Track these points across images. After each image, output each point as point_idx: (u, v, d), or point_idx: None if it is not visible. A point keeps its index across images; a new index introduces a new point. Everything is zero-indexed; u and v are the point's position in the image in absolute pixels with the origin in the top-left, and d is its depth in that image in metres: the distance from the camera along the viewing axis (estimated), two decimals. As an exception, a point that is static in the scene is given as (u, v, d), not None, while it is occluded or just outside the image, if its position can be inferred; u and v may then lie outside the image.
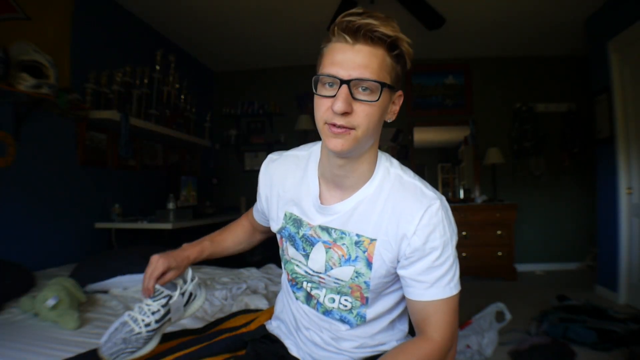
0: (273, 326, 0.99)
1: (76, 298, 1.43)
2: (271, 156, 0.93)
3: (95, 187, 2.66)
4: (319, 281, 0.83)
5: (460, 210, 3.86)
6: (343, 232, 0.78)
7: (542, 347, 2.02)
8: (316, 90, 0.70)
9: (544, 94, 4.24)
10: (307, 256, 0.83)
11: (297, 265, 0.85)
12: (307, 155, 0.87)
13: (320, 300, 0.84)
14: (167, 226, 2.57)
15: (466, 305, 2.67)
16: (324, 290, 0.84)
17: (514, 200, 4.01)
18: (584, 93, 3.96)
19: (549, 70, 4.25)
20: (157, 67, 3.07)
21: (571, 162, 4.16)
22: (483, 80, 4.32)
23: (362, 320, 0.83)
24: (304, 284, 0.86)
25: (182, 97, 3.49)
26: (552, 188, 4.20)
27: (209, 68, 4.50)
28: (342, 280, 0.80)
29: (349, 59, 0.66)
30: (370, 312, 0.82)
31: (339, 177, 0.78)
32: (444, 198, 0.77)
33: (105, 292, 1.72)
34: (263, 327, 1.01)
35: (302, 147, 0.92)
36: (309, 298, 0.87)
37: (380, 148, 0.84)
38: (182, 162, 3.84)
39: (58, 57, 2.16)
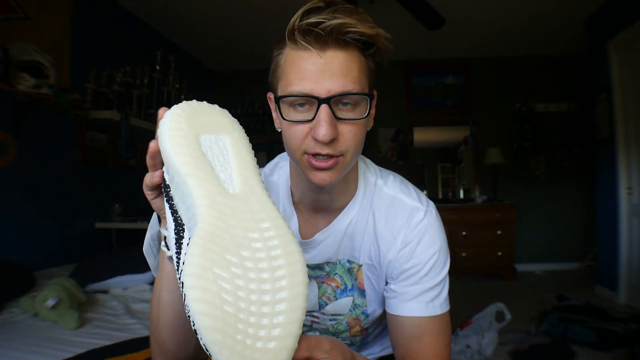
0: None
1: (76, 298, 1.43)
2: None
3: (95, 187, 2.66)
4: (312, 322, 0.73)
5: (460, 210, 3.86)
6: (335, 262, 0.69)
7: (542, 347, 2.02)
8: (282, 114, 0.56)
9: (544, 94, 4.24)
10: None
11: None
12: (276, 182, 0.72)
13: None
14: (167, 226, 2.56)
15: (466, 305, 2.67)
16: (317, 333, 0.75)
17: (514, 200, 4.01)
18: (584, 93, 3.96)
19: (549, 70, 4.25)
20: (157, 67, 3.07)
21: (571, 162, 4.16)
22: (483, 80, 4.32)
23: (365, 346, 0.79)
24: None
25: (182, 97, 3.48)
26: (552, 188, 4.20)
27: (209, 68, 4.50)
28: (339, 315, 0.72)
29: (322, 70, 0.52)
30: (372, 337, 0.79)
31: (323, 202, 0.66)
32: (430, 203, 0.68)
33: (105, 292, 1.72)
34: None
35: (262, 171, 0.74)
36: None
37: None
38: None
39: (58, 57, 2.16)
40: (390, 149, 4.34)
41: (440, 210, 0.69)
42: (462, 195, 4.43)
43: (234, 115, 0.49)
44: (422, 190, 4.41)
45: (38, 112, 2.13)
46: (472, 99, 4.33)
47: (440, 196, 4.50)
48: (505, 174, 4.22)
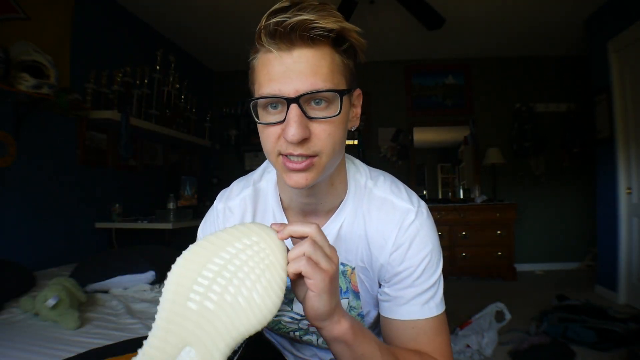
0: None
1: (76, 298, 1.43)
2: (213, 213, 0.73)
3: (95, 187, 2.66)
4: (309, 326, 0.72)
5: (460, 210, 3.86)
6: None
7: (542, 347, 2.02)
8: (257, 117, 0.56)
9: (544, 94, 4.24)
10: (290, 301, 0.71)
11: (277, 316, 0.72)
12: (264, 188, 0.71)
13: (314, 343, 0.75)
14: (167, 226, 2.57)
15: (466, 305, 2.67)
16: (315, 336, 0.74)
17: (513, 200, 4.01)
18: (584, 93, 3.96)
19: (549, 70, 4.25)
20: (157, 67, 3.07)
21: (571, 162, 4.16)
22: (483, 80, 4.32)
23: None
24: (291, 333, 0.75)
25: (182, 97, 3.48)
26: (552, 188, 4.20)
27: (209, 68, 4.50)
28: None
29: (290, 70, 0.51)
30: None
31: (310, 205, 0.65)
32: (422, 203, 0.67)
33: (106, 292, 1.72)
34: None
35: (252, 177, 0.74)
36: (298, 345, 0.78)
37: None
38: (182, 162, 3.84)
39: (58, 57, 2.16)
40: (390, 149, 4.33)
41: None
42: (462, 195, 4.42)
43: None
44: (422, 191, 4.42)
45: (38, 112, 2.13)
46: (472, 99, 4.33)
47: (440, 196, 4.50)
48: (505, 174, 4.22)
